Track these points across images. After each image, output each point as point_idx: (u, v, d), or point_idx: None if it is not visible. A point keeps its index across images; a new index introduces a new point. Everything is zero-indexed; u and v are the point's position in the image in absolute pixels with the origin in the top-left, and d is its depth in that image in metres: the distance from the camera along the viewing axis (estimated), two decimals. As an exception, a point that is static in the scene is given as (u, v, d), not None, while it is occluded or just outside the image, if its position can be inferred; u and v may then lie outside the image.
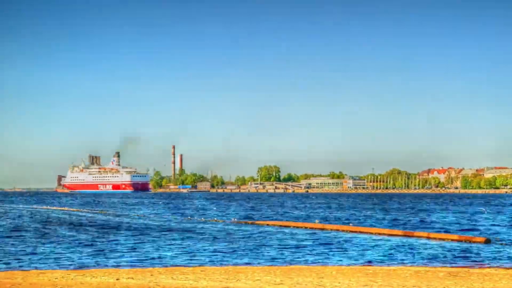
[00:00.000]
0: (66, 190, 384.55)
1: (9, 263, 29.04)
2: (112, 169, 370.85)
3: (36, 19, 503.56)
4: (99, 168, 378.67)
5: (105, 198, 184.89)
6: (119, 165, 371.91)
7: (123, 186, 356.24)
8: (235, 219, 63.75)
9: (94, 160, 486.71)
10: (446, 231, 47.84)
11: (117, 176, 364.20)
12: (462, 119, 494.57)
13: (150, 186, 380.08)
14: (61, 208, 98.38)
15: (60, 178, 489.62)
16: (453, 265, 28.90)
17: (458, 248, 35.79)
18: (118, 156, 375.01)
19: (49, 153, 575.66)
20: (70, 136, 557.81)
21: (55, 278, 22.76)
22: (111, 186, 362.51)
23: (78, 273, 24.53)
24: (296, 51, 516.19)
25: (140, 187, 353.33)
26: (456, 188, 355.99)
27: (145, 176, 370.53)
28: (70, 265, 28.66)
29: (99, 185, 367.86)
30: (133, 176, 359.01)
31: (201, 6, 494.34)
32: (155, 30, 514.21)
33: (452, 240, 40.39)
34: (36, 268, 27.40)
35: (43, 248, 35.65)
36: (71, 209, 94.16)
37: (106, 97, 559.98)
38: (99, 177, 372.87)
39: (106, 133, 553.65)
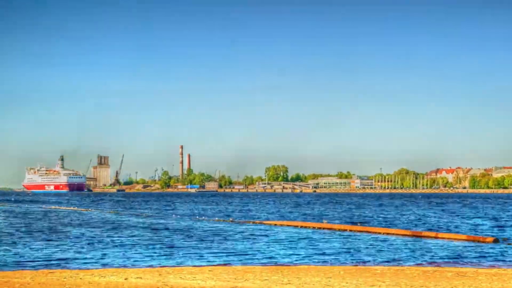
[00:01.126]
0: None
1: (18, 263, 29.17)
2: (55, 171, 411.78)
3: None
4: (46, 170, 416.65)
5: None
6: (62, 167, 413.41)
7: (61, 186, 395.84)
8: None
9: (102, 159, 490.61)
10: None
11: (57, 178, 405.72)
12: (471, 118, 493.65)
13: (85, 186, 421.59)
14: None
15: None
16: (461, 265, 28.84)
17: (466, 248, 35.71)
18: (62, 160, 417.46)
19: (59, 153, 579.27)
20: (79, 136, 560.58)
21: (64, 278, 22.83)
22: (53, 186, 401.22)
23: (86, 273, 24.60)
24: (303, 52, 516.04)
25: (76, 188, 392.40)
26: (464, 188, 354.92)
27: (81, 177, 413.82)
28: (80, 264, 28.75)
29: (45, 186, 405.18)
30: (70, 178, 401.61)
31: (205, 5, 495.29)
32: (163, 28, 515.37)
33: (461, 240, 40.28)
34: (45, 267, 27.54)
35: (52, 247, 35.78)
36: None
37: (117, 97, 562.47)
38: (46, 178, 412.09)
39: (114, 132, 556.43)
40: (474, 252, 33.85)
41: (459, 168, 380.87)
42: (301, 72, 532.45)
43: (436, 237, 41.67)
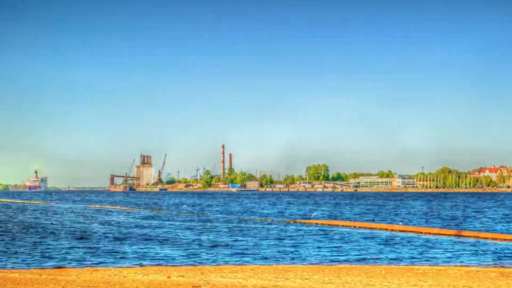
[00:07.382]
0: (119, 189, 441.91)
1: (64, 261, 29.72)
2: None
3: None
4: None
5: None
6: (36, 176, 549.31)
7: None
8: (286, 219, 63.82)
9: (145, 159, 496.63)
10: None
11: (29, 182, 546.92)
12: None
13: (41, 187, 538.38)
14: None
15: (112, 177, 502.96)
16: (506, 265, 28.44)
17: (509, 248, 35.18)
18: (36, 172, 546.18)
19: (103, 153, 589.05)
20: (123, 136, 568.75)
21: (108, 276, 23.23)
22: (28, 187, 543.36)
23: (130, 271, 24.99)
24: (340, 53, 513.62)
25: (33, 187, 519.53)
26: (509, 187, 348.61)
27: (37, 182, 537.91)
28: (123, 262, 29.16)
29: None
30: (30, 182, 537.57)
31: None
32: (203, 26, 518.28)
33: (505, 240, 39.67)
34: (89, 265, 28.02)
35: (95, 245, 36.33)
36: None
37: (156, 99, 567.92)
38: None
39: (156, 132, 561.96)
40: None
41: (503, 167, 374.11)
42: (340, 73, 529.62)
43: (478, 237, 41.08)
